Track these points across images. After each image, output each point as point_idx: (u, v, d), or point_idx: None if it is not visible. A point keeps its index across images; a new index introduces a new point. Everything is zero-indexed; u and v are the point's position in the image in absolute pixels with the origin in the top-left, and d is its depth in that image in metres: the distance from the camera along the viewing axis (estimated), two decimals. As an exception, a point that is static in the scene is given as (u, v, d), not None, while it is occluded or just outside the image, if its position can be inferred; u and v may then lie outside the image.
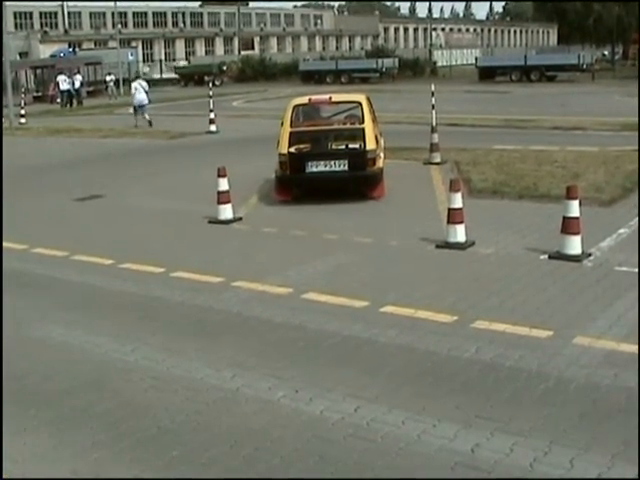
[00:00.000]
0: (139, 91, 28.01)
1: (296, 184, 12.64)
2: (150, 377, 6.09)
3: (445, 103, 26.26)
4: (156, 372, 6.18)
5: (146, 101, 28.26)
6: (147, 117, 27.99)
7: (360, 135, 12.35)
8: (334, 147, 12.26)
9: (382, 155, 13.04)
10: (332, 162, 12.17)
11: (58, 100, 44.13)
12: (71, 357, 6.64)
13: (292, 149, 12.27)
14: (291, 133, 12.46)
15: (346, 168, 12.16)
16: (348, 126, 12.99)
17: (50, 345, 6.94)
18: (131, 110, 29.05)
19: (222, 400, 5.60)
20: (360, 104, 13.09)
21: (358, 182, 12.43)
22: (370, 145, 12.25)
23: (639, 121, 20.12)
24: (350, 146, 12.22)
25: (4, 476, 4.38)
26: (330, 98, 13.58)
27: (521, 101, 35.70)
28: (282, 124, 13.03)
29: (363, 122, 12.64)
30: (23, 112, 32.66)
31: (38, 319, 7.66)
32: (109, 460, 4.85)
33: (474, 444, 4.77)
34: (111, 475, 4.67)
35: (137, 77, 31.17)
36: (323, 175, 12.26)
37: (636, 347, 6.13)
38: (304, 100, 13.69)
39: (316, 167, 12.20)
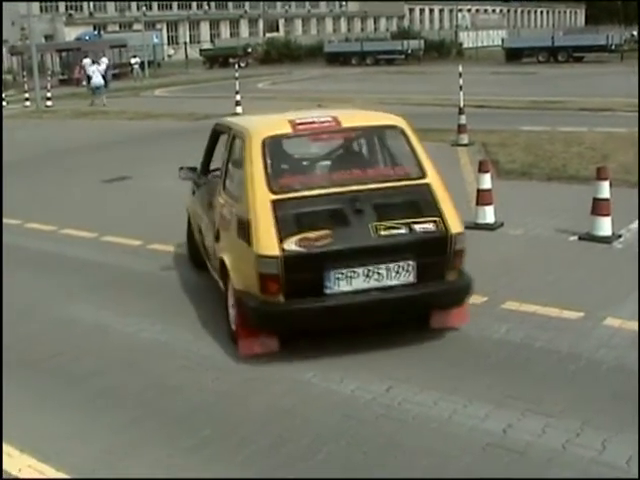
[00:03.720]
0: (96, 75, 32.26)
1: (299, 322, 5.89)
2: (180, 357, 6.13)
3: (471, 85, 26.02)
4: (186, 352, 6.22)
5: (102, 83, 32.43)
6: (104, 100, 31.37)
7: (427, 199, 6.06)
8: (384, 232, 5.78)
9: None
10: (383, 268, 5.75)
11: (84, 83, 44.26)
12: (102, 337, 6.69)
13: (291, 244, 5.64)
14: (276, 204, 5.82)
15: (412, 278, 5.83)
16: (397, 183, 6.15)
17: (81, 325, 6.99)
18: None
19: (252, 380, 5.62)
20: (402, 131, 6.51)
21: (432, 304, 6.15)
22: (454, 223, 6.03)
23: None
24: (417, 227, 5.87)
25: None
26: (336, 121, 6.51)
27: (548, 82, 35.35)
28: (223, 185, 6.82)
29: (423, 170, 6.22)
30: (49, 95, 32.82)
31: (68, 299, 7.73)
32: (142, 439, 4.89)
33: (506, 424, 4.77)
34: (145, 453, 4.72)
35: (94, 62, 34.74)
36: (366, 299, 5.75)
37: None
38: (282, 128, 6.45)
39: (349, 282, 5.70)
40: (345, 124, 6.53)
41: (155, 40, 62.57)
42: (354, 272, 5.70)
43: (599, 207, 8.80)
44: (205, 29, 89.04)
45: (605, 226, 8.79)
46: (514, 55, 54.49)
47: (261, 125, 6.77)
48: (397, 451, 4.57)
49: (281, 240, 5.63)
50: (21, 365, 6.16)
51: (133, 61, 49.90)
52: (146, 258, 9.00)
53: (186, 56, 63.96)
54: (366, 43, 64.74)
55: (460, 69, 17.33)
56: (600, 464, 4.34)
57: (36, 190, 13.69)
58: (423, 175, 6.18)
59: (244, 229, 5.88)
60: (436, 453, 4.53)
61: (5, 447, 4.80)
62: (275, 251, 5.60)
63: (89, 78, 38.37)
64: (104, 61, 44.54)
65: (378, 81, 40.06)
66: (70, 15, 77.86)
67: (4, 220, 10.97)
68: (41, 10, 75.03)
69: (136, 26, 69.17)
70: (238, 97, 24.92)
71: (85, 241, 9.98)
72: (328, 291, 5.70)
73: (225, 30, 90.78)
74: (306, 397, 5.29)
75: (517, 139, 16.21)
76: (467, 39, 77.84)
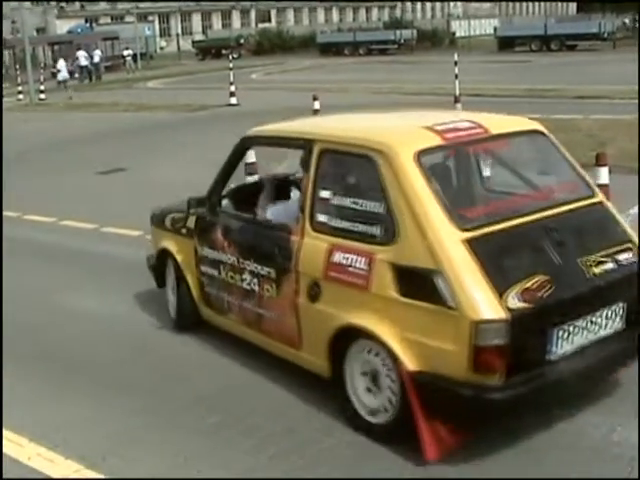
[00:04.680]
0: (63, 69, 35.74)
1: (522, 406, 4.27)
2: (188, 345, 6.17)
3: (465, 73, 25.99)
4: (194, 340, 6.25)
5: (68, 77, 35.94)
6: (70, 92, 32.89)
7: (610, 222, 4.97)
8: (597, 270, 4.53)
9: None
10: (599, 315, 4.53)
11: (76, 75, 44.17)
12: (108, 326, 6.72)
13: (514, 299, 4.10)
14: (472, 244, 4.25)
15: (622, 324, 4.66)
16: (575, 204, 4.88)
17: (87, 314, 7.03)
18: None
19: (262, 368, 5.62)
20: (548, 138, 5.27)
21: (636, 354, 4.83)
22: None
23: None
24: (621, 258, 4.69)
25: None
26: (481, 127, 4.96)
27: (542, 71, 35.34)
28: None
29: (590, 186, 5.12)
30: (42, 88, 32.72)
31: (73, 289, 7.78)
32: (150, 426, 4.92)
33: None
34: (154, 439, 4.74)
35: (61, 57, 38.38)
36: (592, 360, 4.51)
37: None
38: (428, 139, 4.71)
39: (571, 340, 4.39)
40: (493, 130, 4.98)
41: (147, 32, 62.49)
42: (575, 326, 4.36)
43: (599, 193, 8.78)
44: (197, 20, 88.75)
45: (605, 212, 8.77)
46: (507, 44, 54.41)
47: (395, 135, 4.90)
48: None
49: (500, 295, 4.09)
50: (28, 355, 6.18)
51: (125, 53, 49.79)
52: (148, 248, 8.97)
53: (178, 48, 63.85)
54: (359, 33, 64.65)
55: (455, 57, 17.36)
56: (613, 444, 4.38)
57: (33, 182, 13.66)
58: (592, 192, 5.02)
59: (423, 284, 4.20)
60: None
61: (14, 436, 4.82)
62: (500, 313, 4.02)
63: (79, 69, 39.03)
64: (97, 53, 44.61)
65: (372, 71, 40.02)
66: (62, 8, 77.55)
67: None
68: (32, 3, 74.71)
69: (128, 18, 68.97)
70: (232, 88, 24.87)
71: (86, 232, 9.99)
72: (552, 357, 4.28)
73: (217, 21, 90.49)
74: (314, 383, 5.31)
75: (514, 127, 16.17)
76: (459, 28, 77.61)
